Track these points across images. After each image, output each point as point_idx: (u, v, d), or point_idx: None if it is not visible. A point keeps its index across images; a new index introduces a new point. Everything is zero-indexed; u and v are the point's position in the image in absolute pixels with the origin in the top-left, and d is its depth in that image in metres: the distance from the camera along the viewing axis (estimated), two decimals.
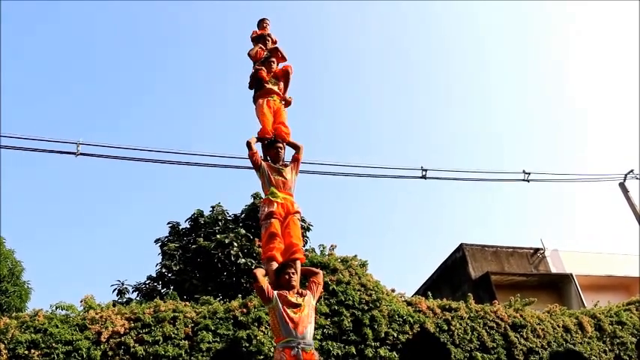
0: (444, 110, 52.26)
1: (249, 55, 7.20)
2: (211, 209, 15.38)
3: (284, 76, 7.01)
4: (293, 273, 4.81)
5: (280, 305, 4.49)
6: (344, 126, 54.59)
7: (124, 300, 13.32)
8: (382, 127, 54.78)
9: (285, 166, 5.82)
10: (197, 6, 48.24)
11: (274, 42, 7.53)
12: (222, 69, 50.93)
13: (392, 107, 52.23)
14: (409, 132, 55.28)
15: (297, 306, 4.53)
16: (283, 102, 6.80)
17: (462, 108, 50.51)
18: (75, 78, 48.43)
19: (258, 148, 6.00)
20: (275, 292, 4.60)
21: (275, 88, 6.73)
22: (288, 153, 6.16)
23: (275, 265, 4.98)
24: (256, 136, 6.09)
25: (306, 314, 4.55)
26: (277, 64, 7.09)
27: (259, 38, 7.44)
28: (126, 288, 13.87)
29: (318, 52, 50.81)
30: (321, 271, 5.23)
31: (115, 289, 13.70)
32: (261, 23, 7.81)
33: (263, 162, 5.76)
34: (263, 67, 6.81)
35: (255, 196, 15.07)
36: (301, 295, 4.66)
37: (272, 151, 5.91)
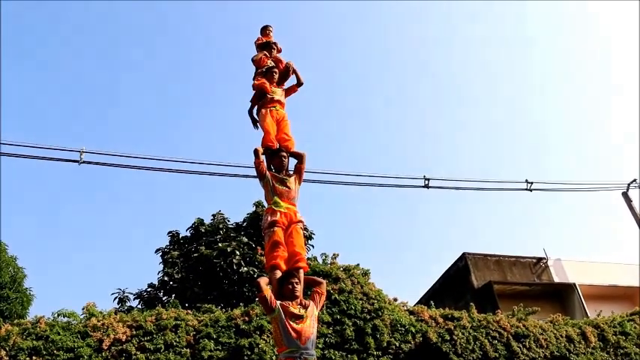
0: (446, 112, 52.37)
1: (252, 60, 7.22)
2: (212, 217, 15.33)
3: (289, 72, 7.10)
4: (296, 283, 4.80)
5: (283, 316, 4.49)
6: (345, 129, 54.67)
7: (125, 308, 13.27)
8: (382, 128, 54.86)
9: (289, 175, 5.82)
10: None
11: (279, 50, 7.52)
12: (223, 70, 51.19)
13: (392, 109, 52.34)
14: (410, 133, 55.36)
15: (299, 317, 4.53)
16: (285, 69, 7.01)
17: (464, 109, 50.58)
18: (75, 78, 48.70)
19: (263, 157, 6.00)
20: (278, 303, 4.58)
21: (278, 96, 6.73)
22: (291, 163, 6.16)
23: (279, 273, 4.96)
24: (261, 146, 6.09)
25: (309, 325, 4.54)
26: (279, 74, 7.08)
27: (265, 46, 7.43)
28: (127, 296, 13.81)
29: (318, 54, 51.05)
30: (324, 281, 5.23)
31: (115, 298, 13.66)
32: (265, 30, 7.78)
33: (267, 171, 5.76)
34: (265, 79, 6.82)
35: (258, 204, 14.98)
36: (304, 306, 4.66)
37: (276, 160, 5.91)
